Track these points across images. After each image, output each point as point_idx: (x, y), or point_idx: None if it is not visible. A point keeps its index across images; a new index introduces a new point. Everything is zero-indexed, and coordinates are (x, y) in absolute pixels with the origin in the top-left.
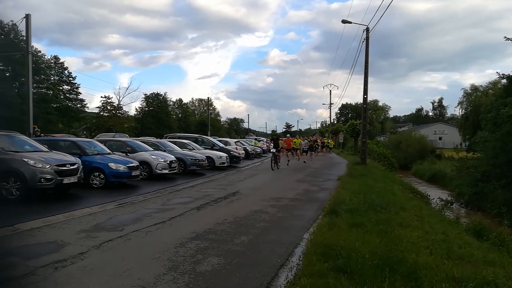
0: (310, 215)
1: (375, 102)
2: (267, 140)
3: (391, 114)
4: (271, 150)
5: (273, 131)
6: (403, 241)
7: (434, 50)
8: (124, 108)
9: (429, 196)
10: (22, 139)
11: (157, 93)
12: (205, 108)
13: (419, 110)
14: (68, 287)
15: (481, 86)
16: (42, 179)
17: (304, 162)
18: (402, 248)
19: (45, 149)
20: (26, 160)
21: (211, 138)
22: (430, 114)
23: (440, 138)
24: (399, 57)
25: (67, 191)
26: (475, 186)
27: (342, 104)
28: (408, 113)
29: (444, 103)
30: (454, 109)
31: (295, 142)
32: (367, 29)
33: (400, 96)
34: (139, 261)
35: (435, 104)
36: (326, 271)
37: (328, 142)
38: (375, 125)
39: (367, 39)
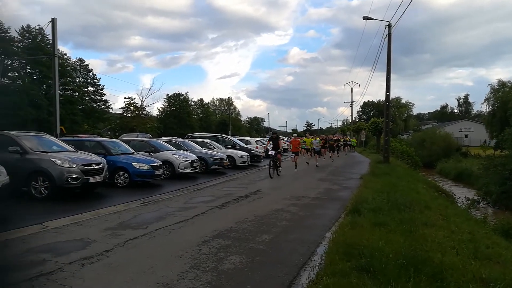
0: (332, 214)
1: (398, 99)
2: (287, 138)
3: (415, 111)
4: (269, 153)
5: (293, 129)
6: (428, 241)
7: (459, 45)
8: (147, 109)
9: (454, 195)
10: (50, 139)
11: (179, 94)
12: (226, 108)
13: (444, 107)
14: (95, 283)
15: (508, 81)
16: (69, 178)
17: (317, 165)
18: (427, 248)
19: (71, 149)
20: (54, 160)
21: (232, 138)
22: (456, 111)
23: (466, 136)
24: (422, 53)
25: (93, 190)
26: (503, 184)
27: (364, 102)
28: (432, 110)
29: (470, 99)
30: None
31: (305, 142)
32: (389, 25)
33: (424, 93)
34: (163, 258)
35: (460, 100)
36: (349, 271)
37: (351, 141)
38: (398, 122)
39: (389, 35)
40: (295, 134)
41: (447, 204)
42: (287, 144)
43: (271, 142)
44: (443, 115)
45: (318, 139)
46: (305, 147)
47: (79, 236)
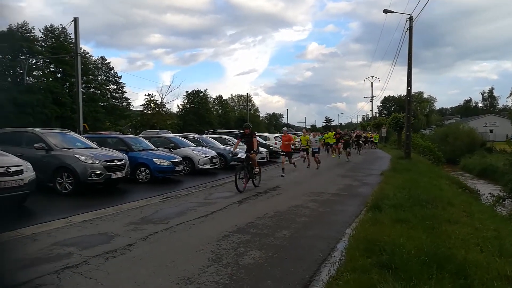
0: (352, 210)
1: (420, 94)
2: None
3: (437, 106)
4: (239, 156)
5: (312, 125)
6: (451, 238)
7: (482, 37)
8: (167, 106)
9: (479, 191)
10: (74, 136)
11: (198, 90)
12: (244, 104)
13: (468, 102)
14: (119, 276)
15: None
16: (93, 174)
17: (318, 167)
18: (450, 245)
19: (94, 145)
20: (77, 156)
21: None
22: (480, 105)
23: (491, 131)
24: (444, 46)
25: (115, 185)
26: None
27: (385, 96)
28: (456, 105)
29: (495, 93)
30: (506, 100)
31: (300, 140)
32: (411, 18)
33: (447, 87)
34: (184, 253)
35: (485, 94)
36: (370, 267)
37: (372, 137)
38: (420, 118)
39: (410, 28)
40: (285, 128)
41: (471, 200)
42: (299, 143)
43: (242, 140)
44: (467, 109)
45: (318, 136)
46: (303, 147)
47: (103, 230)
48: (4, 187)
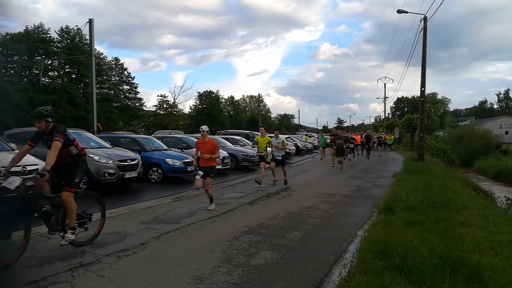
0: (364, 212)
1: (434, 95)
2: (318, 136)
3: (451, 107)
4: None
5: (324, 126)
6: (465, 241)
7: (498, 38)
8: (179, 106)
9: (494, 194)
10: (88, 136)
11: (210, 91)
12: (256, 105)
13: (483, 103)
14: (131, 275)
15: None
16: (106, 174)
17: (274, 182)
18: (464, 248)
19: (108, 145)
20: (91, 156)
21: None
22: (495, 106)
23: (506, 133)
24: (459, 47)
25: (128, 185)
26: None
27: (398, 97)
28: (471, 106)
29: (511, 94)
30: None
31: (256, 142)
32: (425, 18)
33: (461, 88)
34: (195, 252)
35: (500, 96)
36: (382, 269)
37: (387, 139)
38: (434, 119)
39: (424, 28)
40: (203, 127)
41: (485, 203)
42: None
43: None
44: (481, 111)
45: (281, 140)
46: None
47: (115, 229)
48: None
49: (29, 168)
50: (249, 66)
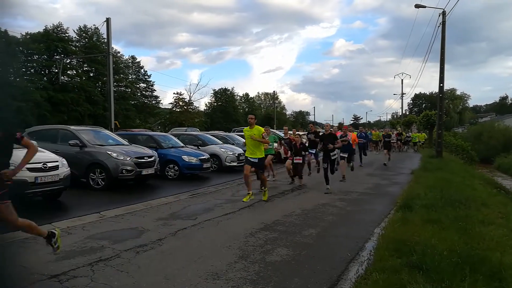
0: (381, 209)
1: (453, 91)
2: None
3: (471, 103)
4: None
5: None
6: (485, 239)
7: None
8: (195, 104)
9: None
10: (106, 133)
11: (225, 88)
12: (271, 102)
13: (504, 99)
14: (149, 270)
15: None
16: (124, 171)
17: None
18: (484, 247)
19: (125, 142)
20: (109, 152)
21: (277, 132)
22: None
23: None
24: (477, 41)
25: (145, 181)
26: None
27: (415, 93)
28: (491, 102)
29: None
30: None
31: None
32: (444, 13)
33: (481, 83)
34: (212, 249)
35: None
36: (399, 267)
37: (409, 136)
38: (452, 115)
39: (443, 23)
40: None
41: (507, 201)
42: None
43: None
44: (502, 107)
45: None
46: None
47: (133, 225)
48: (40, 182)
49: (49, 164)
50: (264, 63)
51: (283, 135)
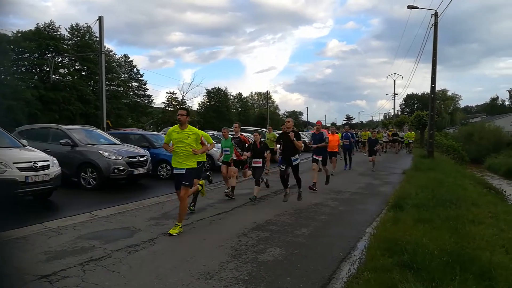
0: (373, 209)
1: (444, 91)
2: (327, 132)
3: (462, 104)
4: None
5: (332, 123)
6: (476, 239)
7: (510, 33)
8: (188, 103)
9: (504, 192)
10: (98, 132)
11: (218, 88)
12: (264, 102)
13: (494, 99)
14: (141, 270)
15: None
16: (115, 170)
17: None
18: (474, 246)
19: (117, 142)
20: (101, 152)
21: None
22: (507, 103)
23: None
24: (469, 42)
25: (137, 181)
26: None
27: (407, 94)
28: (481, 103)
29: None
30: None
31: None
32: (436, 14)
33: (472, 84)
34: (204, 248)
35: None
36: (391, 266)
37: (401, 136)
38: (444, 116)
39: (435, 24)
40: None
41: (496, 201)
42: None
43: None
44: (493, 107)
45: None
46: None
47: (125, 225)
48: (31, 181)
49: (40, 164)
50: (257, 63)
51: (234, 133)
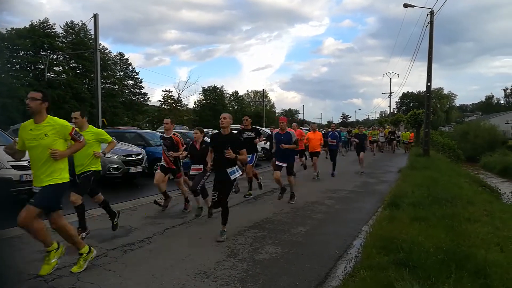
0: (369, 207)
1: (440, 90)
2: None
3: (457, 102)
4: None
5: (329, 122)
6: (471, 237)
7: (504, 33)
8: (184, 101)
9: (499, 190)
10: None
11: (214, 86)
12: (260, 100)
13: (489, 98)
14: (137, 269)
15: None
16: (111, 168)
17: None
18: (470, 244)
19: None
20: None
21: (267, 130)
22: (502, 102)
23: None
24: (464, 41)
25: (133, 180)
26: None
27: (403, 92)
28: (477, 101)
29: None
30: None
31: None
32: (432, 13)
33: (467, 83)
34: (200, 247)
35: (507, 91)
36: (387, 265)
37: (397, 134)
38: (439, 114)
39: (431, 23)
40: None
41: (491, 199)
42: None
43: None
44: (488, 106)
45: None
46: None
47: (121, 224)
48: (26, 180)
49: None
50: (253, 61)
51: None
